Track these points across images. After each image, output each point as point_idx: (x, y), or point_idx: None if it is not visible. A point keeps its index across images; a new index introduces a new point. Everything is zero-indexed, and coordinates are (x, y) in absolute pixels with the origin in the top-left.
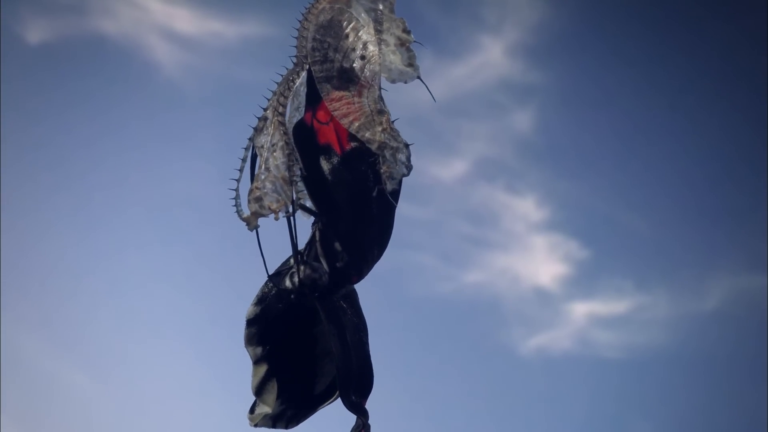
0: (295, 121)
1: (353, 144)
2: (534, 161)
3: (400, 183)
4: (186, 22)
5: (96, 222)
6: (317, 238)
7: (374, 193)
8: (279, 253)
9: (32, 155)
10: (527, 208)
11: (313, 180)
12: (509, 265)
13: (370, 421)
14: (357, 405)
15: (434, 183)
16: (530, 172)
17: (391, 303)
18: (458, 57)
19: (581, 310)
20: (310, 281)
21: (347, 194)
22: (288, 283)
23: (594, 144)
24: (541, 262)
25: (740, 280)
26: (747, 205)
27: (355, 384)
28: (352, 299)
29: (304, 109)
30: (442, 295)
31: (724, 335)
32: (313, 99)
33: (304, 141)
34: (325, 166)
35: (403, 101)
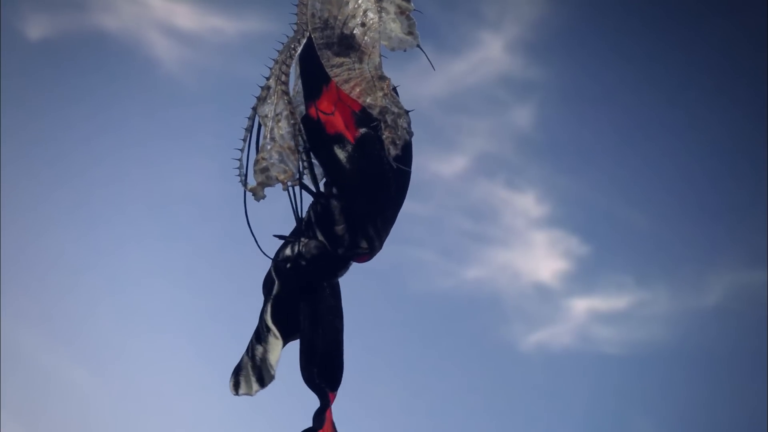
0: (298, 90)
1: (362, 130)
2: (534, 157)
3: (408, 149)
4: (186, 18)
5: (96, 218)
6: (313, 220)
7: (391, 174)
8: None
9: (32, 151)
10: (527, 203)
11: (330, 170)
12: (509, 261)
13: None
14: (319, 388)
15: (434, 179)
16: (530, 167)
17: (390, 299)
18: (458, 53)
19: (581, 305)
20: (309, 256)
21: (366, 180)
22: (288, 251)
23: (594, 140)
24: (542, 258)
25: (741, 275)
26: (747, 200)
27: (318, 363)
28: (334, 285)
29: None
30: (442, 291)
31: (724, 331)
32: (313, 92)
33: (314, 135)
34: (340, 155)
35: (402, 98)
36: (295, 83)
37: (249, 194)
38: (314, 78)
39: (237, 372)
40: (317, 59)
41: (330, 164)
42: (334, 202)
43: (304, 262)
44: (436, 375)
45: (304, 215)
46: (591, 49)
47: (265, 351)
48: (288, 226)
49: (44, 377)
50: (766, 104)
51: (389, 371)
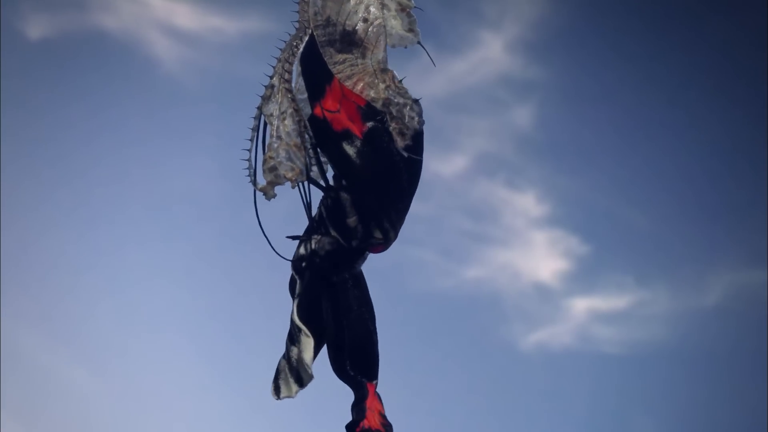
0: (300, 87)
1: (369, 124)
2: (534, 157)
3: (418, 138)
4: (186, 17)
5: (96, 218)
6: (325, 215)
7: (402, 165)
8: (287, 229)
9: (32, 151)
10: (527, 203)
11: (341, 166)
12: (509, 261)
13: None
14: (353, 379)
15: (434, 178)
16: (530, 167)
17: (391, 299)
18: (458, 52)
19: (581, 305)
20: (324, 252)
21: (376, 173)
22: (302, 250)
23: (594, 139)
24: (542, 258)
25: (740, 275)
26: (747, 200)
27: (349, 355)
28: (357, 275)
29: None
30: (443, 290)
31: (724, 331)
32: (317, 92)
33: (322, 133)
34: (349, 150)
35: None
36: (297, 81)
37: (260, 195)
38: (317, 78)
39: (276, 377)
40: (319, 59)
41: (340, 161)
42: (345, 195)
43: (318, 260)
44: (437, 374)
45: (315, 211)
46: (591, 49)
47: (300, 351)
48: (295, 223)
49: (44, 377)
50: (766, 104)
51: (389, 371)
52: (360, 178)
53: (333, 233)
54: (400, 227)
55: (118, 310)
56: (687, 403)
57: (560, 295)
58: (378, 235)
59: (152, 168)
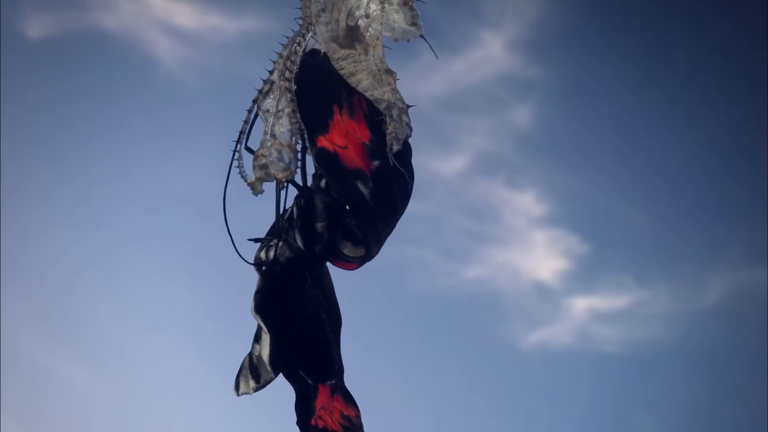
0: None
1: (376, 162)
2: (534, 156)
3: (407, 146)
4: (186, 17)
5: (96, 217)
6: (295, 215)
7: (399, 204)
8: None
9: (32, 151)
10: (527, 202)
11: (352, 202)
12: (509, 260)
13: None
14: (300, 379)
15: (434, 178)
16: (530, 166)
17: (391, 298)
18: (458, 52)
19: (581, 305)
20: (284, 259)
21: (384, 211)
22: (263, 255)
23: (594, 139)
24: (542, 257)
25: (741, 274)
26: (747, 199)
27: (299, 355)
28: (320, 275)
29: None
30: (442, 290)
31: (724, 330)
32: (320, 127)
33: (333, 167)
34: (364, 190)
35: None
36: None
37: (228, 195)
38: (318, 113)
39: (238, 373)
40: (317, 90)
41: (351, 196)
42: (318, 200)
43: (279, 267)
44: (437, 374)
45: (287, 211)
46: (591, 48)
47: (261, 349)
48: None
49: (44, 377)
50: (766, 104)
51: (389, 370)
52: (373, 216)
53: (297, 238)
54: (376, 253)
55: (118, 310)
56: (687, 402)
57: (560, 294)
58: (351, 252)
59: (152, 168)
